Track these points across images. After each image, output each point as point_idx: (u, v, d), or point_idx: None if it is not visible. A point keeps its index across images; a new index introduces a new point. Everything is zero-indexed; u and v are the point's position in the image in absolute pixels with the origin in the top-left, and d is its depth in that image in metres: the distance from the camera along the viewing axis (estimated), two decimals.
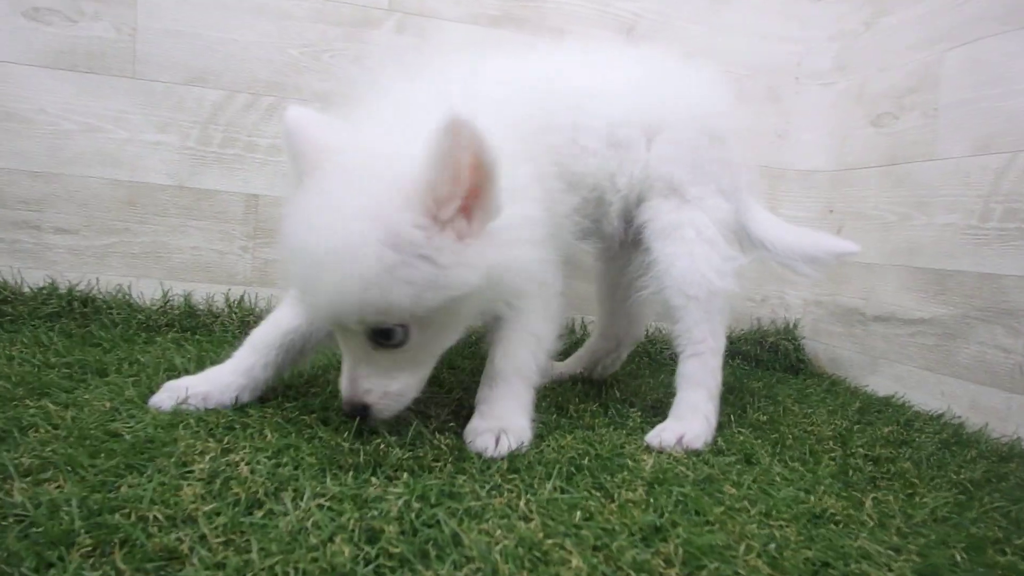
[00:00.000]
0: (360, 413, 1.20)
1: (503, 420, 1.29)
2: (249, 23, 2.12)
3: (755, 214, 1.65)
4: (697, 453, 1.36)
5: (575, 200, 1.42)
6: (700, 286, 1.46)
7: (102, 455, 1.04)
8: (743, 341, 2.42)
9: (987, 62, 1.86)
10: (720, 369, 1.51)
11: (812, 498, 1.16)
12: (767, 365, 2.38)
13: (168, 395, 1.32)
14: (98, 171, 2.06)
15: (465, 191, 1.07)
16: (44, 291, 1.97)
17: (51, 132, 2.03)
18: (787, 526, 1.05)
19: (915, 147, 2.06)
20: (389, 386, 1.20)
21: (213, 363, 1.62)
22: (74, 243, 2.07)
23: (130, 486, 0.96)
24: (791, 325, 2.48)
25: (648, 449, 1.35)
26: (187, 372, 1.54)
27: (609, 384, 1.84)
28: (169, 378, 1.47)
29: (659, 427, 1.44)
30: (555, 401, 1.55)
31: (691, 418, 1.44)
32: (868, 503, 1.17)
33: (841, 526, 1.09)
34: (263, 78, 2.15)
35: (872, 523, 1.10)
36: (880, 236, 2.17)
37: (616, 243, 1.60)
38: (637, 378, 1.98)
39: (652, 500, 1.08)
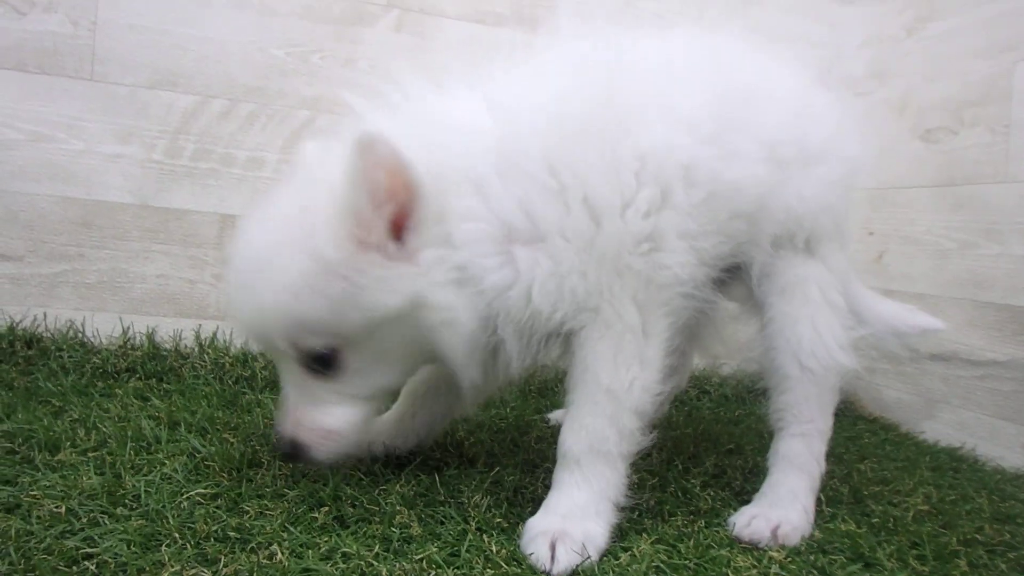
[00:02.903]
0: (290, 452, 1.12)
1: (566, 520, 1.04)
2: (227, 18, 1.84)
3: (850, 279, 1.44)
4: (798, 552, 1.11)
5: (719, 214, 1.14)
6: (818, 358, 1.25)
7: None
8: None
9: None
10: (824, 455, 1.28)
11: None
12: None
13: None
14: (47, 187, 1.76)
15: (392, 212, 1.01)
16: None
17: None
18: None
19: (980, 166, 1.84)
20: (325, 421, 1.11)
21: (187, 423, 1.36)
22: (17, 271, 1.76)
23: None
24: None
25: (740, 548, 1.10)
26: (158, 441, 1.26)
27: (654, 444, 1.59)
28: (137, 454, 1.20)
29: (748, 512, 1.20)
30: None
31: (788, 506, 1.21)
32: None
33: None
34: (242, 82, 1.86)
35: None
36: (934, 264, 1.95)
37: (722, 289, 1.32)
38: (674, 429, 1.73)
39: None
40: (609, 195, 1.07)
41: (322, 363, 1.08)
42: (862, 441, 1.82)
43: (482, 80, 1.16)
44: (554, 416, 1.69)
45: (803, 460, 1.26)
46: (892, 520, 1.27)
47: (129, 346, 1.76)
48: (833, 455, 1.61)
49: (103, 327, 1.79)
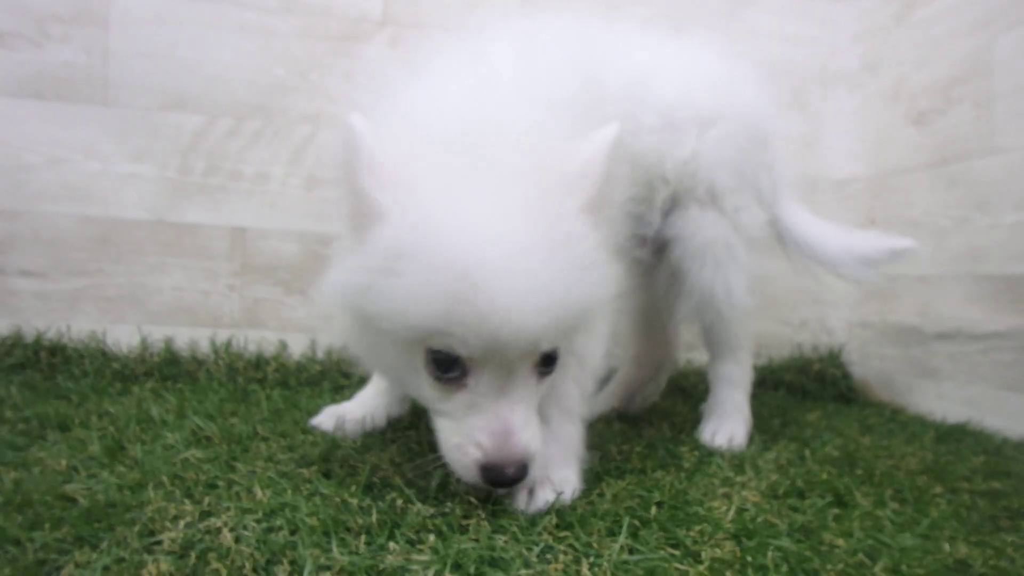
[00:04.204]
0: (520, 477, 0.94)
1: (541, 469, 1.06)
2: (230, 42, 1.93)
3: (798, 217, 1.58)
4: (775, 495, 1.13)
5: (633, 181, 1.28)
6: (737, 308, 1.47)
7: (47, 525, 0.82)
8: (785, 369, 2.20)
9: None
10: (751, 366, 1.58)
11: (943, 546, 0.93)
12: (815, 395, 2.14)
13: (328, 417, 1.36)
14: (67, 207, 1.86)
15: None
16: (8, 341, 1.76)
17: (14, 166, 1.83)
18: None
19: (969, 142, 1.86)
20: (538, 432, 0.98)
21: (196, 412, 1.42)
22: (41, 287, 1.85)
23: (77, 565, 0.74)
24: (835, 350, 2.26)
25: (716, 494, 1.12)
26: (165, 424, 1.32)
27: (650, 422, 1.62)
28: (143, 431, 1.26)
29: (709, 428, 1.50)
30: (592, 443, 1.31)
31: (735, 418, 1.52)
32: (1010, 550, 0.94)
33: None
34: (246, 101, 1.95)
35: None
36: (934, 244, 1.96)
37: (650, 246, 1.47)
38: (676, 415, 1.75)
39: (748, 558, 0.85)
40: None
41: (548, 364, 1.00)
42: (868, 422, 1.83)
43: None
44: None
45: (738, 377, 1.55)
46: (879, 474, 1.28)
47: (147, 353, 1.83)
48: (837, 432, 1.63)
49: (123, 337, 1.86)
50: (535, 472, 0.97)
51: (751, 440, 1.49)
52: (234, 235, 1.95)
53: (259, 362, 1.86)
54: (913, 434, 1.67)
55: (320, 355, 1.95)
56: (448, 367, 0.94)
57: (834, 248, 1.53)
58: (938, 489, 1.22)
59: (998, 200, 1.77)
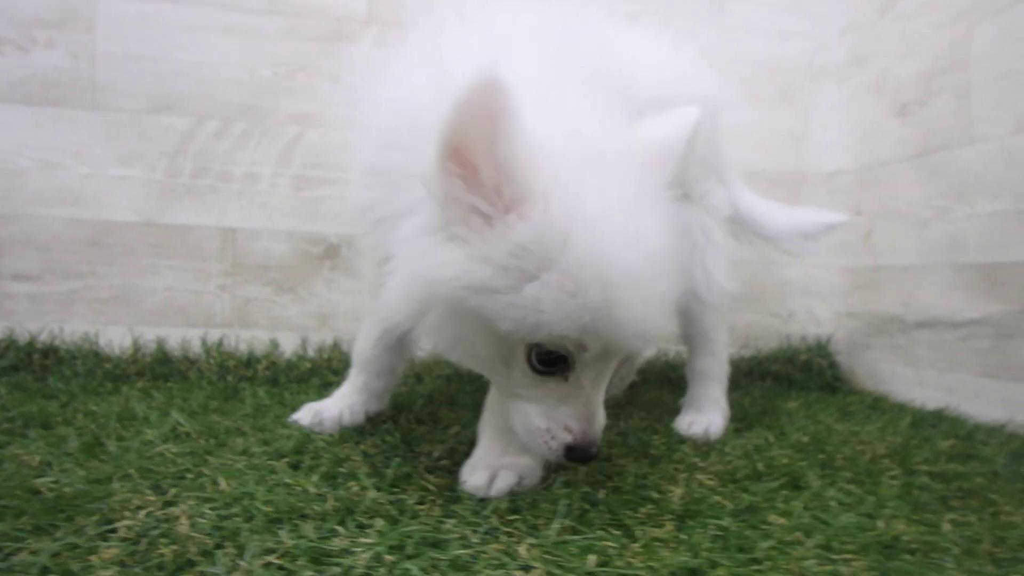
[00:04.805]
0: (599, 453, 0.99)
1: (504, 457, 1.08)
2: (217, 43, 1.97)
3: (744, 196, 1.65)
4: (733, 479, 1.15)
5: None
6: (716, 293, 1.51)
7: (8, 517, 0.86)
8: (772, 360, 2.21)
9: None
10: (727, 357, 1.61)
11: (879, 524, 0.95)
12: (801, 385, 2.16)
13: (307, 413, 1.38)
14: (58, 210, 1.90)
15: None
16: (1, 344, 1.79)
17: (5, 170, 1.87)
18: (854, 560, 0.85)
19: (948, 133, 1.87)
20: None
21: (181, 409, 1.45)
22: (34, 290, 1.89)
23: (31, 552, 0.77)
24: (823, 341, 2.27)
25: (674, 480, 1.14)
26: (147, 420, 1.36)
27: (628, 413, 1.64)
28: (124, 428, 1.30)
29: (687, 419, 1.53)
30: None
31: (712, 410, 1.55)
32: (947, 526, 0.97)
33: (920, 555, 0.88)
34: (234, 102, 1.99)
35: (957, 550, 0.89)
36: (916, 234, 1.97)
37: None
38: (658, 405, 1.77)
39: (685, 537, 0.87)
40: None
41: None
42: (848, 409, 1.84)
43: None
44: None
45: (715, 371, 1.58)
46: (842, 458, 1.30)
47: (139, 354, 1.87)
48: (813, 420, 1.65)
49: (116, 338, 1.90)
50: None
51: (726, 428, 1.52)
52: (224, 236, 1.99)
53: (250, 360, 1.89)
54: (890, 420, 1.69)
55: (311, 353, 1.99)
56: (552, 362, 0.93)
57: (778, 224, 1.62)
58: (895, 471, 1.23)
59: (976, 190, 1.78)
